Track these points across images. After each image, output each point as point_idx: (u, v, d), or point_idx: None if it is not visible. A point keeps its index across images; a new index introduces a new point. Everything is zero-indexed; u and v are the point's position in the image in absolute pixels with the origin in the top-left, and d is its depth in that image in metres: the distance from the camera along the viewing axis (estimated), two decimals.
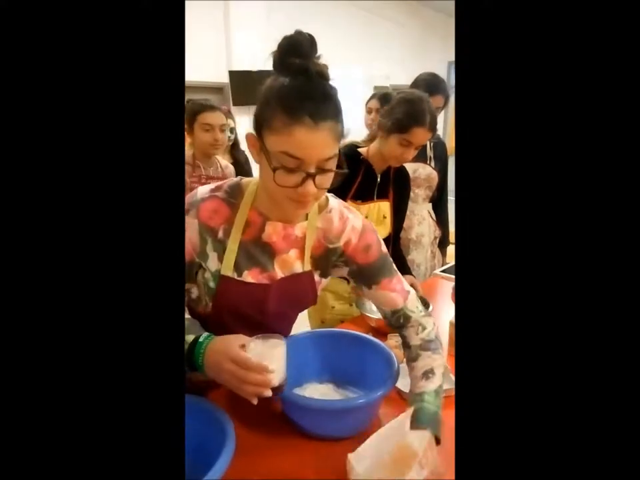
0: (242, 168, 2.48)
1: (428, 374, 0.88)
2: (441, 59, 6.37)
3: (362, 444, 0.73)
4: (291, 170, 0.73)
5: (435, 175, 1.96)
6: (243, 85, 3.93)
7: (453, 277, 1.76)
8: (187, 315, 0.86)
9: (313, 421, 0.88)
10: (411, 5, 5.77)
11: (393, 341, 1.21)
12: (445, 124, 6.79)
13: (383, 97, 2.38)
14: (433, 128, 1.36)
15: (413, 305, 0.97)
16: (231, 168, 2.26)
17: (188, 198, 0.85)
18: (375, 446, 0.72)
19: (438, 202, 2.08)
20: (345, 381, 1.02)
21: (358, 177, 1.48)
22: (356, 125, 1.48)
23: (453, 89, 0.61)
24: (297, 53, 0.73)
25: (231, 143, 2.59)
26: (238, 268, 0.87)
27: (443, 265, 2.14)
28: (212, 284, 0.87)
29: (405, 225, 1.75)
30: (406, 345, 0.97)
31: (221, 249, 0.86)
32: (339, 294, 1.65)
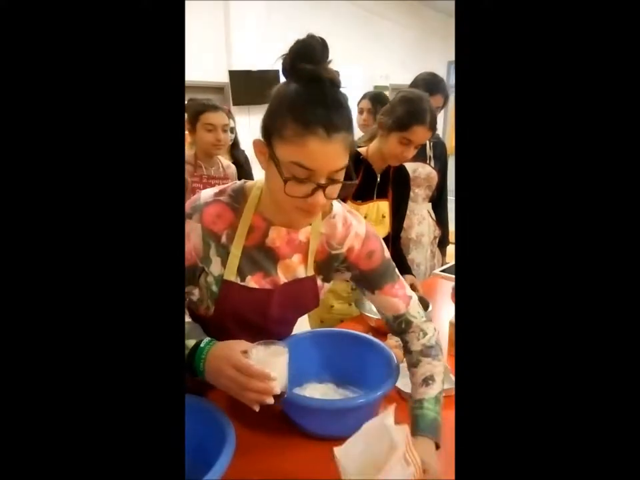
0: (242, 168, 2.48)
1: (428, 380, 0.88)
2: (440, 59, 6.36)
3: (347, 439, 0.72)
4: (302, 180, 0.72)
5: (434, 174, 1.96)
6: (243, 84, 3.93)
7: (453, 276, 1.76)
8: (188, 319, 0.86)
9: (313, 420, 0.88)
10: (411, 5, 5.77)
11: (393, 340, 1.21)
12: (445, 124, 6.79)
13: (374, 97, 2.38)
14: (433, 127, 1.37)
15: (414, 310, 0.97)
16: (233, 168, 2.25)
17: (191, 202, 0.85)
18: (361, 440, 0.72)
19: (438, 201, 2.08)
20: (345, 380, 1.02)
21: (357, 177, 1.48)
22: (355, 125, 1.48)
23: (453, 89, 0.61)
24: (308, 58, 0.72)
25: (231, 143, 2.59)
26: (241, 273, 0.87)
27: (442, 265, 2.14)
28: (214, 288, 0.87)
29: (404, 224, 1.76)
30: (407, 350, 0.96)
31: (224, 254, 0.86)
32: (339, 293, 1.65)
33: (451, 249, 1.98)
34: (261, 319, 0.91)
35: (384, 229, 1.59)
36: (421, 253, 2.03)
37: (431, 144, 1.96)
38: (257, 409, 0.72)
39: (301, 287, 0.93)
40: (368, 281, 0.96)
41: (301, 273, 0.93)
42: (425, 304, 1.35)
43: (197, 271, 0.88)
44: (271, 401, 0.71)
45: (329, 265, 0.95)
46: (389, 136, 1.38)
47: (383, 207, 1.57)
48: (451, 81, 6.36)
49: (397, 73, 5.64)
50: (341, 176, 0.75)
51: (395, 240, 1.67)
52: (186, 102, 2.13)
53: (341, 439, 0.87)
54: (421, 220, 2.01)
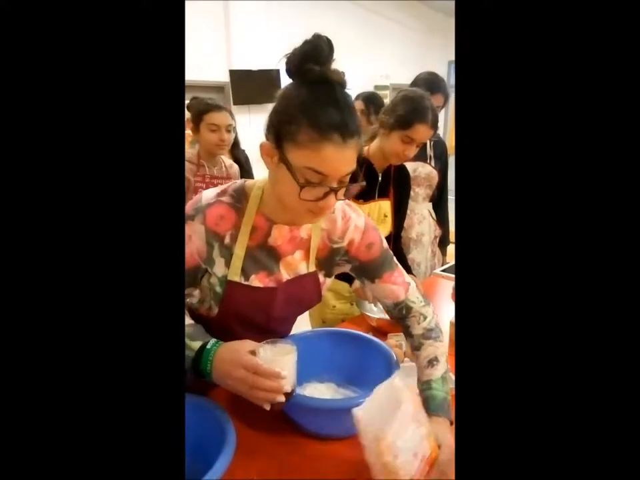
0: (242, 167, 2.48)
1: (433, 362, 0.91)
2: (441, 59, 6.36)
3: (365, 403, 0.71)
4: (314, 184, 0.73)
5: (435, 173, 1.96)
6: (244, 84, 3.93)
7: (453, 276, 1.76)
8: (190, 320, 0.86)
9: (314, 420, 0.88)
10: (411, 5, 5.77)
11: (394, 340, 1.22)
12: (445, 123, 6.79)
13: (367, 98, 2.38)
14: (434, 125, 1.37)
15: (413, 296, 1.00)
16: (236, 167, 2.25)
17: (193, 203, 0.85)
18: (374, 402, 0.72)
19: (438, 201, 2.08)
20: (346, 380, 1.02)
21: (359, 176, 1.48)
22: None
23: (453, 88, 0.61)
24: (315, 59, 0.72)
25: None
26: (245, 273, 0.87)
27: (443, 264, 2.14)
28: (218, 289, 0.87)
29: (405, 224, 1.76)
30: (408, 334, 0.99)
31: (227, 254, 0.86)
32: (340, 293, 1.65)
33: (451, 249, 1.98)
34: (264, 318, 0.92)
35: (386, 228, 1.60)
36: (421, 253, 2.03)
37: (431, 143, 1.96)
38: (267, 407, 0.73)
39: (304, 283, 0.94)
40: (368, 271, 0.98)
41: (303, 269, 0.93)
42: None
43: (200, 272, 0.87)
44: (282, 399, 0.72)
45: (330, 259, 0.96)
46: (390, 134, 1.38)
47: (384, 206, 1.57)
48: (451, 80, 6.35)
49: (398, 73, 5.63)
50: (348, 178, 0.77)
51: (395, 239, 1.67)
52: (189, 101, 2.13)
53: (341, 439, 0.88)
54: (421, 219, 2.01)
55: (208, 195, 0.85)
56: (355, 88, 0.76)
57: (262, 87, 3.84)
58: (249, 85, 3.91)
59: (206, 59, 3.72)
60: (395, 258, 1.01)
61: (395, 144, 1.38)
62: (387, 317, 1.36)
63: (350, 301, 1.65)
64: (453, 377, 1.06)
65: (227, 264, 0.86)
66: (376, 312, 1.45)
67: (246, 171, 2.53)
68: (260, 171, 0.89)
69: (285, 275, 0.91)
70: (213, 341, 0.79)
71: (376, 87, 5.31)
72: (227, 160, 2.23)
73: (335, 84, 0.73)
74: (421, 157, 1.90)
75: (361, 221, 0.96)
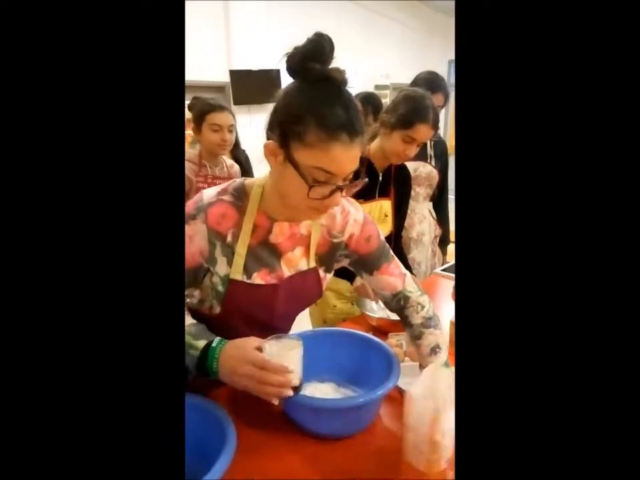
0: (242, 167, 2.49)
1: (435, 349, 0.94)
2: (441, 58, 6.36)
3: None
4: (322, 183, 0.74)
5: (435, 173, 1.96)
6: (244, 84, 3.93)
7: (453, 275, 1.76)
8: (192, 320, 0.86)
9: (314, 419, 0.88)
10: (411, 4, 5.76)
11: (394, 340, 1.22)
12: (445, 123, 6.79)
13: (364, 99, 2.37)
14: (435, 125, 1.37)
15: (410, 286, 1.03)
16: (237, 167, 2.26)
17: (194, 202, 0.85)
18: (427, 383, 0.74)
19: (438, 200, 2.08)
20: (346, 379, 1.02)
21: (361, 174, 1.48)
22: None
23: (453, 88, 0.61)
24: (318, 58, 0.72)
25: None
26: (247, 271, 0.87)
27: (443, 264, 2.14)
28: (221, 288, 0.87)
29: (406, 223, 1.76)
30: (407, 324, 1.01)
31: (229, 253, 0.86)
32: (341, 293, 1.65)
33: (451, 248, 1.98)
34: (267, 315, 0.92)
35: (386, 227, 1.60)
36: (421, 252, 2.03)
37: (432, 143, 1.96)
38: (276, 402, 0.74)
39: (305, 279, 0.94)
40: (366, 264, 1.00)
41: (303, 265, 0.94)
42: None
43: (201, 272, 0.87)
44: (290, 393, 0.74)
45: (331, 254, 0.98)
46: (391, 134, 1.38)
47: (385, 205, 1.58)
48: (451, 79, 6.35)
49: (398, 72, 5.63)
50: (351, 175, 0.78)
51: (396, 239, 1.67)
52: (190, 101, 2.13)
53: (341, 438, 0.88)
54: (421, 219, 2.01)
55: (209, 194, 0.86)
56: (354, 87, 0.77)
57: (262, 87, 3.84)
58: (249, 85, 3.92)
59: (206, 59, 3.72)
60: (390, 250, 1.03)
61: (396, 143, 1.38)
62: (387, 316, 1.36)
63: (351, 300, 1.65)
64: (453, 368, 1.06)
65: (229, 263, 0.86)
66: (376, 311, 1.45)
67: (246, 171, 2.53)
68: (260, 171, 0.89)
69: (286, 272, 0.92)
70: (217, 339, 0.79)
71: (376, 87, 5.32)
72: (228, 160, 2.23)
73: (337, 82, 0.73)
74: (422, 156, 1.90)
75: (359, 215, 0.98)
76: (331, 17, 4.56)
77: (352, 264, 1.02)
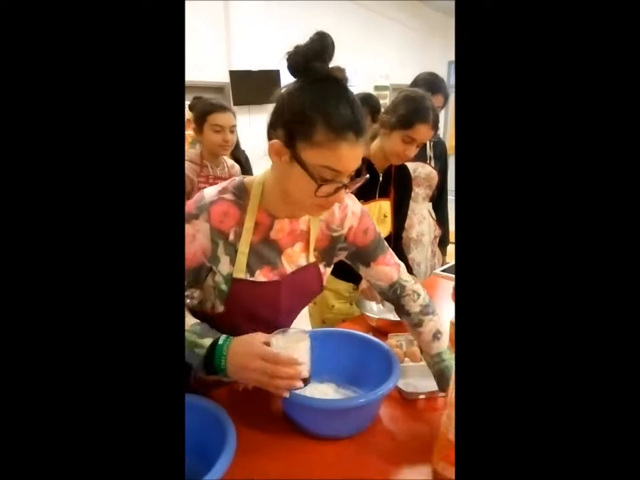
0: (242, 168, 2.49)
1: (437, 335, 0.97)
2: (441, 59, 6.36)
3: None
4: (328, 181, 0.75)
5: (434, 174, 1.97)
6: (244, 84, 3.93)
7: (453, 276, 1.76)
8: (195, 319, 0.86)
9: (314, 420, 0.88)
10: (411, 5, 5.77)
11: (394, 340, 1.22)
12: (445, 123, 6.79)
13: (362, 99, 2.37)
14: (435, 126, 1.37)
15: (405, 275, 1.05)
16: (237, 167, 2.25)
17: (195, 202, 0.85)
18: None
19: (438, 201, 2.08)
20: (346, 380, 1.02)
21: (362, 171, 1.48)
22: None
23: (453, 89, 0.62)
24: (321, 57, 0.73)
25: None
26: (250, 269, 0.88)
27: (443, 264, 2.14)
28: (224, 287, 0.87)
29: (405, 224, 1.76)
30: (405, 312, 1.03)
31: (232, 252, 0.86)
32: (340, 293, 1.65)
33: (451, 249, 1.98)
34: (270, 312, 0.93)
35: (386, 228, 1.60)
36: (421, 253, 2.03)
37: (431, 144, 1.96)
38: (287, 394, 0.76)
39: (306, 274, 0.95)
40: (364, 255, 1.02)
41: (303, 261, 0.95)
42: None
43: (204, 271, 0.88)
44: (300, 385, 0.75)
45: (332, 248, 0.99)
46: (391, 134, 1.38)
47: (385, 206, 1.58)
48: (451, 80, 6.36)
49: (398, 73, 5.64)
50: (353, 172, 0.80)
51: (396, 239, 1.67)
52: (191, 101, 2.13)
53: (341, 439, 0.88)
54: (421, 219, 2.01)
55: (210, 192, 0.86)
56: (355, 87, 0.77)
57: (262, 87, 3.85)
58: (249, 86, 3.92)
59: (206, 59, 3.72)
60: (384, 241, 1.05)
61: (396, 144, 1.38)
62: (387, 317, 1.36)
63: (350, 301, 1.65)
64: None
65: (232, 261, 0.86)
66: (376, 312, 1.45)
67: (246, 172, 2.53)
68: (259, 170, 0.89)
69: (288, 268, 0.92)
70: (223, 336, 0.79)
71: (376, 87, 5.32)
72: (228, 160, 2.23)
73: (340, 81, 0.74)
74: (421, 157, 1.90)
75: (356, 207, 1.00)
76: (330, 17, 4.56)
77: (349, 257, 1.04)
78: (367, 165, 1.49)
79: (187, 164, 1.99)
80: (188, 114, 2.15)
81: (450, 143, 5.94)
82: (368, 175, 0.84)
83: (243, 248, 0.86)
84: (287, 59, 0.75)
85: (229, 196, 0.85)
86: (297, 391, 0.80)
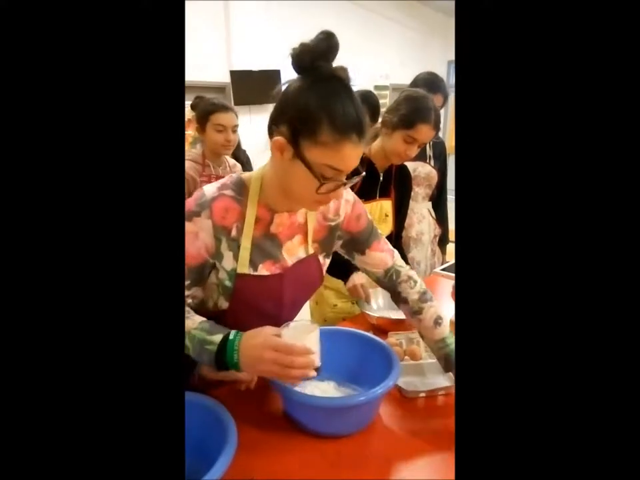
0: (244, 167, 2.49)
1: (438, 320, 0.99)
2: (440, 59, 6.36)
3: None
4: (329, 179, 0.77)
5: (434, 173, 1.97)
6: (244, 84, 3.93)
7: (453, 275, 1.76)
8: (201, 317, 0.86)
9: (314, 418, 0.88)
10: (411, 5, 5.76)
11: (394, 338, 1.22)
12: (444, 123, 6.79)
13: (361, 97, 2.37)
14: (436, 126, 1.37)
15: (399, 260, 1.07)
16: (239, 167, 2.25)
17: (196, 199, 0.85)
18: None
19: (437, 200, 2.09)
20: (346, 378, 1.02)
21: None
22: None
23: (453, 88, 0.62)
24: (327, 57, 0.74)
25: None
26: (253, 263, 0.88)
27: (442, 263, 2.14)
28: (228, 283, 0.88)
29: (405, 223, 1.76)
30: (403, 300, 1.04)
31: (235, 247, 0.87)
32: (341, 292, 1.65)
33: (451, 248, 1.98)
34: (275, 305, 0.93)
35: (387, 227, 1.60)
36: (421, 252, 2.04)
37: (431, 143, 1.96)
38: (299, 383, 0.78)
39: (306, 265, 0.96)
40: (358, 242, 1.03)
41: (302, 253, 0.96)
42: None
43: (207, 268, 0.88)
44: (314, 374, 0.76)
45: (330, 238, 1.00)
46: (393, 134, 1.39)
47: (385, 205, 1.58)
48: (450, 80, 6.35)
49: (397, 73, 5.63)
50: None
51: (396, 238, 1.67)
52: (193, 101, 2.12)
53: (341, 437, 0.88)
54: (421, 218, 2.01)
55: (210, 189, 0.86)
56: (355, 87, 0.78)
57: (262, 87, 3.84)
58: (250, 86, 3.92)
59: (206, 59, 3.72)
60: (377, 227, 1.06)
61: (397, 143, 1.38)
62: (387, 315, 1.36)
63: (351, 299, 1.65)
64: (453, 376, 1.06)
65: (235, 257, 0.87)
66: (376, 310, 1.45)
67: (247, 171, 2.53)
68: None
69: (289, 261, 0.93)
70: (234, 331, 0.80)
71: (376, 87, 5.31)
72: (230, 160, 2.23)
73: (344, 80, 0.75)
74: (421, 156, 1.90)
75: (349, 195, 1.01)
76: (330, 17, 4.55)
77: (344, 245, 1.05)
78: (368, 164, 1.49)
79: (189, 163, 1.99)
80: (189, 114, 2.15)
81: (450, 142, 5.95)
82: (364, 173, 0.86)
83: (245, 243, 0.87)
84: (293, 56, 0.75)
85: (229, 192, 0.86)
86: (297, 389, 0.80)
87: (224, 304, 0.90)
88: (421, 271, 2.03)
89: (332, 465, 0.82)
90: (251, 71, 3.93)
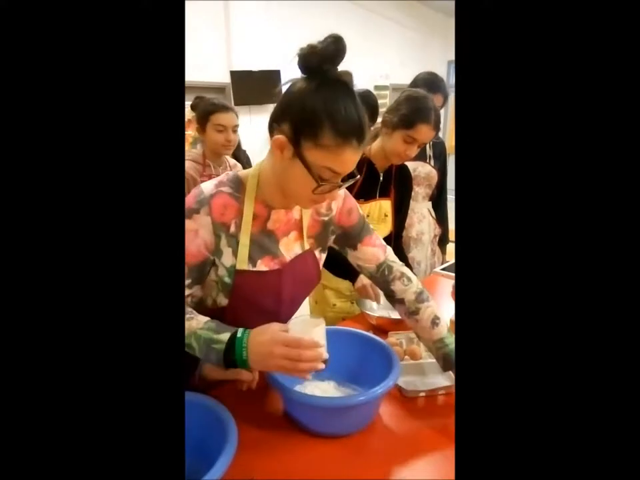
0: (244, 167, 2.49)
1: (435, 320, 1.00)
2: (440, 59, 6.36)
3: None
4: (327, 181, 0.78)
5: (434, 173, 1.97)
6: (244, 84, 3.93)
7: (453, 274, 1.76)
8: (206, 317, 0.85)
9: (314, 418, 0.88)
10: (411, 5, 5.76)
11: (394, 338, 1.22)
12: (444, 123, 6.79)
13: (361, 97, 2.37)
14: (437, 126, 1.37)
15: (392, 255, 1.07)
16: (239, 167, 2.26)
17: (194, 196, 0.85)
18: None
19: (437, 200, 2.09)
20: (346, 378, 1.03)
21: (361, 176, 1.48)
22: None
23: (453, 88, 0.62)
24: (334, 61, 0.75)
25: None
26: (252, 259, 0.89)
27: (442, 263, 2.14)
28: (227, 279, 0.88)
29: (405, 223, 1.76)
30: (399, 301, 1.04)
31: (234, 244, 0.87)
32: (340, 292, 1.65)
33: (451, 247, 1.98)
34: (274, 302, 0.93)
35: (386, 227, 1.60)
36: (421, 251, 2.04)
37: (431, 143, 1.96)
38: (309, 377, 0.78)
39: (304, 261, 0.97)
40: (350, 237, 1.04)
41: (298, 248, 0.97)
42: None
43: (207, 265, 0.88)
44: (322, 367, 0.78)
45: (324, 233, 1.01)
46: (393, 134, 1.39)
47: (385, 205, 1.58)
48: (450, 80, 6.35)
49: (397, 73, 5.63)
50: None
51: (396, 238, 1.67)
52: (193, 101, 2.13)
53: (342, 437, 0.88)
54: (421, 218, 2.01)
55: (207, 186, 0.87)
56: (356, 87, 0.78)
57: (262, 87, 3.85)
58: (250, 86, 3.92)
59: (206, 60, 3.72)
60: (369, 223, 1.07)
61: (397, 143, 1.38)
62: (387, 315, 1.36)
63: (350, 299, 1.65)
64: (453, 375, 1.06)
65: (234, 253, 0.87)
66: (376, 310, 1.45)
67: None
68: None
69: (286, 256, 0.94)
70: (241, 329, 0.81)
71: (376, 87, 5.31)
72: (230, 160, 2.23)
73: (348, 85, 0.76)
74: (421, 156, 1.91)
75: (340, 190, 1.00)
76: (330, 17, 4.55)
77: (337, 240, 1.05)
78: (368, 164, 1.49)
79: (189, 163, 1.99)
80: (189, 114, 2.15)
81: (450, 142, 5.95)
82: (359, 176, 0.86)
83: (244, 239, 0.87)
84: (300, 57, 0.75)
85: (226, 189, 0.86)
86: (298, 389, 0.80)
87: (223, 301, 0.90)
88: (421, 271, 2.03)
89: (332, 465, 0.82)
90: (250, 71, 3.93)
